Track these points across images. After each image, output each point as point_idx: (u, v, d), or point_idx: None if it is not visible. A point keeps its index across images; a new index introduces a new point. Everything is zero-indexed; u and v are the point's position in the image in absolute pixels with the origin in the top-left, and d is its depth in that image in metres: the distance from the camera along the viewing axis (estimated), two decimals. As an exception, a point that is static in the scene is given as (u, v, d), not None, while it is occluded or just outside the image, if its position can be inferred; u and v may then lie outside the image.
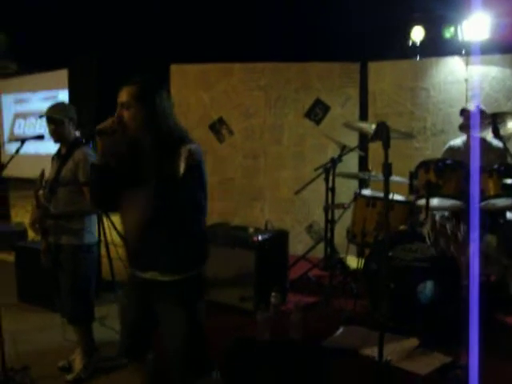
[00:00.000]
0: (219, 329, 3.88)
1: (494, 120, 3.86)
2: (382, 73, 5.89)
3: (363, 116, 5.98)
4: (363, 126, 4.43)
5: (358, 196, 4.82)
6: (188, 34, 5.78)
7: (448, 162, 4.02)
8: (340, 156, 4.69)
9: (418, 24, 5.50)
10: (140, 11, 5.65)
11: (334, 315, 4.12)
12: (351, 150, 4.61)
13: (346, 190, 5.65)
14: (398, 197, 4.77)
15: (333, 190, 4.63)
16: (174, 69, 6.17)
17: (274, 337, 3.71)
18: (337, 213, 5.02)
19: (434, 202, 4.31)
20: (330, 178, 4.78)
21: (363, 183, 5.91)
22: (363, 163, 5.91)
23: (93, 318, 3.84)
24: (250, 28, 5.82)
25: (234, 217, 6.05)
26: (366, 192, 4.92)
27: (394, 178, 4.62)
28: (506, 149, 3.92)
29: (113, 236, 5.76)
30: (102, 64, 5.80)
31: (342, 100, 6.02)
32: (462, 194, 3.98)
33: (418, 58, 5.52)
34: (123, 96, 2.50)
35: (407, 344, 3.57)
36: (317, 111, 6.07)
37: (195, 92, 6.21)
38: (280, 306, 4.11)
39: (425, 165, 4.08)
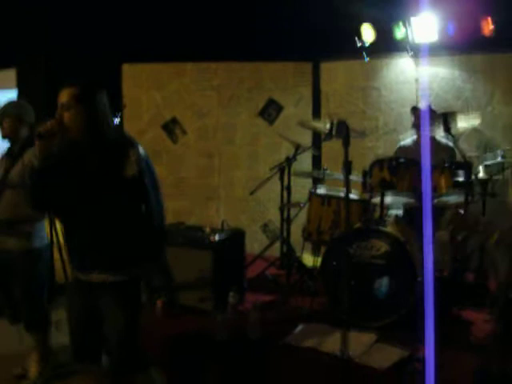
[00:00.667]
0: (178, 329, 3.86)
1: (445, 119, 3.96)
2: (334, 73, 5.96)
3: (316, 115, 6.03)
4: (317, 125, 4.47)
5: (312, 195, 4.85)
6: (140, 33, 5.68)
7: (401, 160, 4.10)
8: (294, 155, 4.72)
9: (367, 24, 5.56)
10: (91, 9, 5.52)
11: (293, 313, 4.15)
12: (306, 149, 4.64)
13: (300, 188, 5.69)
14: (352, 195, 4.84)
15: (288, 188, 4.66)
16: (126, 68, 6.08)
17: (233, 336, 3.71)
18: (292, 211, 5.06)
19: (388, 199, 4.40)
20: (286, 177, 4.83)
21: (317, 182, 5.98)
22: (317, 162, 5.97)
23: (49, 323, 3.74)
24: (202, 27, 5.76)
25: (189, 217, 6.00)
26: (321, 190, 4.96)
27: (350, 176, 4.67)
28: (455, 147, 4.02)
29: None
30: (52, 63, 5.65)
31: (295, 100, 6.06)
32: (415, 192, 4.08)
33: (368, 58, 5.58)
34: (63, 97, 2.52)
35: (366, 339, 3.62)
36: (270, 111, 6.09)
37: (147, 92, 6.13)
38: (238, 306, 4.11)
39: (378, 163, 4.15)
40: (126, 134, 2.69)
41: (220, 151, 6.21)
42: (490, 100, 5.43)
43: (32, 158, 3.48)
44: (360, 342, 3.58)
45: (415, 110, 4.73)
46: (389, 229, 3.91)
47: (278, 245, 5.29)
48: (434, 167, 4.14)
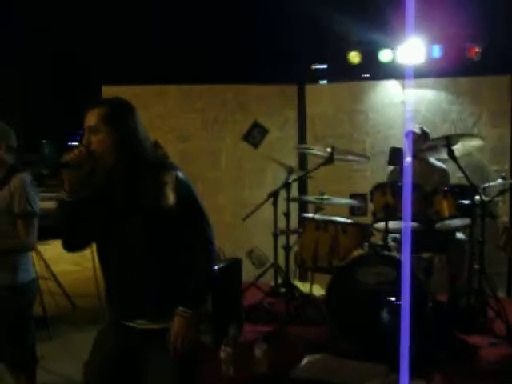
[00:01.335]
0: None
1: (448, 142, 3.91)
2: (320, 95, 5.90)
3: (302, 139, 5.94)
4: (316, 150, 4.37)
5: (305, 220, 4.73)
6: (119, 55, 5.51)
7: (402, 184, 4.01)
8: (293, 179, 4.59)
9: (354, 48, 5.56)
10: (70, 30, 5.32)
11: (296, 344, 3.99)
12: (303, 174, 4.49)
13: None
14: (344, 219, 4.75)
15: (288, 215, 4.51)
16: (106, 91, 5.85)
17: (239, 372, 3.52)
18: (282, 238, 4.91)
19: (392, 224, 4.29)
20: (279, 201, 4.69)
21: (304, 207, 5.87)
22: (302, 186, 5.87)
23: (36, 361, 3.45)
24: (184, 49, 5.64)
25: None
26: (313, 215, 4.84)
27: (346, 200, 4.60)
28: (459, 169, 3.97)
29: (42, 269, 5.35)
30: (28, 85, 5.41)
31: (280, 123, 5.96)
32: (419, 216, 4.00)
33: (355, 80, 5.56)
34: (91, 119, 2.23)
35: (379, 370, 3.48)
36: (255, 134, 5.96)
37: (128, 115, 5.92)
38: (238, 339, 3.92)
39: (381, 187, 4.07)
40: (164, 157, 2.41)
41: (203, 176, 6.03)
42: (477, 122, 5.45)
43: (18, 184, 3.24)
44: (374, 374, 3.44)
45: (410, 134, 4.68)
46: (395, 254, 3.81)
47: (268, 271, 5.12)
48: (435, 191, 4.10)
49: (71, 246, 2.36)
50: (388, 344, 3.62)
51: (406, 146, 4.96)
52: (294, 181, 4.44)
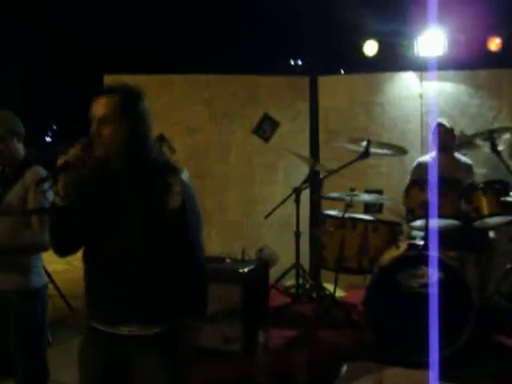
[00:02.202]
0: (205, 378, 3.36)
1: (490, 136, 3.72)
2: (334, 87, 5.67)
3: (314, 132, 5.70)
4: (348, 144, 4.13)
5: (327, 217, 4.49)
6: (123, 43, 5.18)
7: (443, 179, 3.82)
8: (325, 175, 4.31)
9: (370, 38, 5.34)
10: (72, 18, 4.98)
11: (327, 349, 3.76)
12: (340, 168, 4.17)
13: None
14: (365, 216, 4.55)
15: (318, 212, 4.26)
16: (109, 80, 5.50)
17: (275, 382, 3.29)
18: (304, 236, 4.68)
19: (418, 222, 4.09)
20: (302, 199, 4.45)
21: (316, 204, 5.61)
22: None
23: (48, 375, 3.15)
24: (191, 36, 5.33)
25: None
26: (334, 212, 4.62)
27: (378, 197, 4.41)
28: (502, 163, 3.79)
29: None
30: (27, 74, 5.05)
31: (291, 115, 5.70)
32: (457, 214, 3.81)
33: (371, 72, 5.35)
34: (100, 109, 1.98)
35: (424, 379, 3.29)
36: (265, 127, 5.70)
37: (132, 106, 5.57)
38: (268, 345, 3.67)
39: (419, 183, 3.85)
40: (168, 158, 2.22)
41: (212, 171, 5.74)
42: (497, 116, 5.29)
43: (33, 178, 2.94)
44: (420, 381, 3.24)
45: (439, 127, 4.50)
46: (440, 254, 3.60)
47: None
48: (473, 187, 3.92)
49: (63, 250, 2.14)
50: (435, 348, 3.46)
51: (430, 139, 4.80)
52: (325, 177, 4.18)
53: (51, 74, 4.64)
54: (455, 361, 3.42)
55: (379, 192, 5.19)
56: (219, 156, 5.74)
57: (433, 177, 3.79)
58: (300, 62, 5.94)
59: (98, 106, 1.99)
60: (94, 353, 2.15)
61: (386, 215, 5.15)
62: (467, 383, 3.21)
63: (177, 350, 2.10)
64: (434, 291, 3.44)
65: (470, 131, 5.07)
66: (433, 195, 3.69)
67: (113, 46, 5.09)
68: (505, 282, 4.18)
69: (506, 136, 4.03)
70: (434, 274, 3.49)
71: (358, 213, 4.77)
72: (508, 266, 4.19)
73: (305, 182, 4.31)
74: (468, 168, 4.65)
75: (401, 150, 4.15)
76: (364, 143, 3.87)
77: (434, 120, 4.91)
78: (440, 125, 4.51)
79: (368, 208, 5.43)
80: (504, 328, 3.94)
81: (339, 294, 4.67)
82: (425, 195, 3.78)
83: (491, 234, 4.33)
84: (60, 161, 1.93)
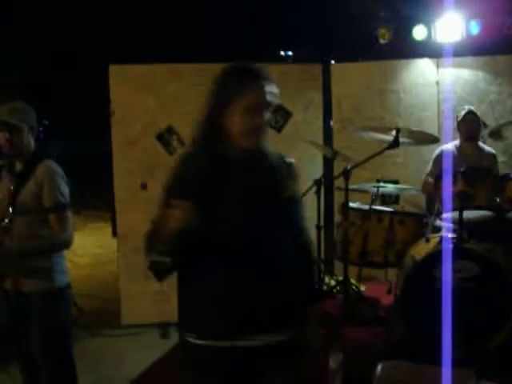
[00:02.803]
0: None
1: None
2: (348, 75, 5.50)
3: (327, 121, 5.54)
4: (374, 133, 3.98)
5: (348, 209, 4.34)
6: (128, 31, 4.97)
7: (478, 169, 3.70)
8: (352, 166, 4.15)
9: (385, 24, 5.18)
10: (76, 6, 4.76)
11: (358, 347, 3.63)
12: (369, 158, 4.00)
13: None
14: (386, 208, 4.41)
15: (346, 205, 4.09)
16: (114, 70, 5.29)
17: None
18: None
19: (449, 214, 3.96)
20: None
21: (330, 196, 5.45)
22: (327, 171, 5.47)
23: (77, 380, 2.99)
24: (199, 25, 5.14)
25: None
26: (355, 205, 4.47)
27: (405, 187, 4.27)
28: None
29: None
30: (30, 63, 4.82)
31: (303, 105, 5.52)
32: (491, 204, 3.69)
33: (385, 59, 5.19)
34: (263, 95, 1.99)
35: (465, 376, 3.17)
36: (277, 118, 5.51)
37: (139, 97, 5.34)
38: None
39: (452, 174, 3.71)
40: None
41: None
42: (517, 103, 5.18)
43: (45, 173, 2.82)
44: (460, 380, 3.11)
45: (469, 114, 4.37)
46: (478, 247, 3.47)
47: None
48: (507, 176, 3.80)
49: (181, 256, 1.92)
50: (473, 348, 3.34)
51: (444, 127, 4.69)
52: (352, 168, 4.02)
53: (50, 65, 4.44)
54: (493, 359, 3.33)
55: (395, 182, 5.06)
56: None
57: (464, 167, 3.67)
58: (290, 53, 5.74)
59: (262, 93, 1.96)
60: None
61: (404, 206, 5.04)
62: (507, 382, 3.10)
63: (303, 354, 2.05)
64: (472, 286, 3.33)
65: (488, 119, 4.96)
66: (466, 186, 3.57)
67: (117, 34, 4.89)
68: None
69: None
70: (472, 268, 3.37)
71: (374, 204, 4.63)
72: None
73: (326, 173, 4.14)
74: (492, 157, 4.55)
75: (433, 138, 4.00)
76: (393, 132, 3.72)
77: (450, 107, 4.80)
78: (470, 112, 4.40)
79: (384, 199, 5.29)
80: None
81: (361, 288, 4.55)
82: (459, 186, 3.65)
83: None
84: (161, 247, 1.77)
